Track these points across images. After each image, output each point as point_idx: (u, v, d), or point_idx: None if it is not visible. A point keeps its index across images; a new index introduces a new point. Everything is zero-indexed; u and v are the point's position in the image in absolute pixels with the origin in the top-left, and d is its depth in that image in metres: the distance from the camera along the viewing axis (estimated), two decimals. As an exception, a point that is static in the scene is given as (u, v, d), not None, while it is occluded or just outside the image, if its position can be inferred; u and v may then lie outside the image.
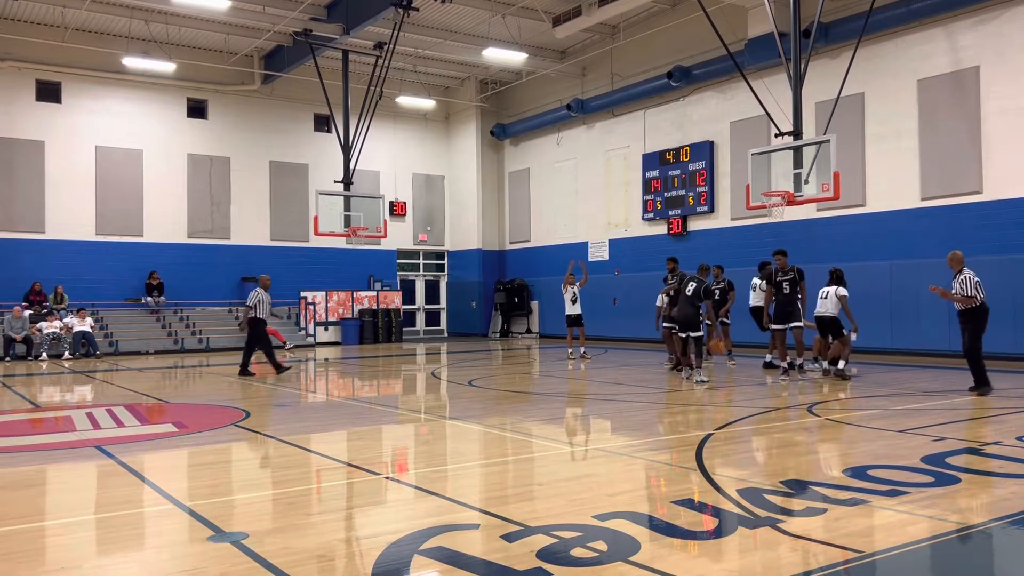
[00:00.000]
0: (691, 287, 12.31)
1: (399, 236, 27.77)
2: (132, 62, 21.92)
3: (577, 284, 16.54)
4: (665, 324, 14.09)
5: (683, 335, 12.65)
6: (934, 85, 16.32)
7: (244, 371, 14.37)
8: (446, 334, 29.34)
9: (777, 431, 7.97)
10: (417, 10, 19.22)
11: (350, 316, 25.29)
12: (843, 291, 12.44)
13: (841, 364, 12.33)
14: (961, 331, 10.08)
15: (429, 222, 29.01)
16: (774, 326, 12.42)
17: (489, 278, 28.05)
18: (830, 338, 12.69)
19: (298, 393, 12.56)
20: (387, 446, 7.93)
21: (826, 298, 12.57)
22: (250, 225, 25.24)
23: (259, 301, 14.29)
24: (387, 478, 6.16)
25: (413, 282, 29.07)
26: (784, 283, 12.24)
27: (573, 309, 16.53)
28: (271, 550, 4.20)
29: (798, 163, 13.98)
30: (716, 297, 14.82)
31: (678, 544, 4.27)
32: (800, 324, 12.27)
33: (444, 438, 8.18)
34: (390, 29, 19.73)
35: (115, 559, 4.27)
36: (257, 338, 14.37)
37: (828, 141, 13.59)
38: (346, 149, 21.45)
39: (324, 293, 24.99)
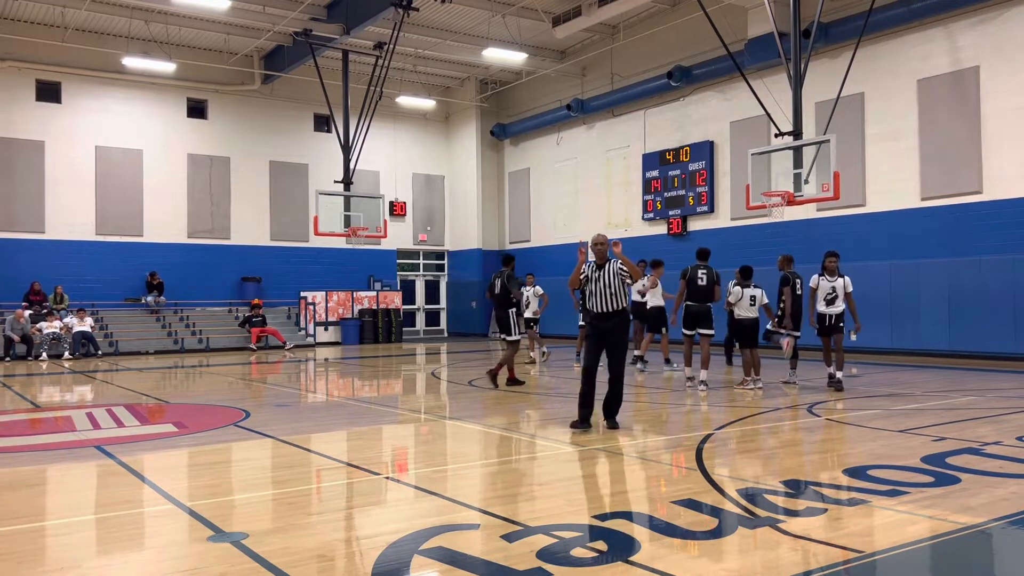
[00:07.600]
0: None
1: (399, 236, 27.76)
2: (132, 62, 21.92)
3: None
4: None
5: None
6: (934, 85, 16.32)
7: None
8: (446, 334, 29.32)
9: (777, 431, 7.97)
10: (417, 10, 19.22)
11: (350, 316, 25.27)
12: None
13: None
14: None
15: (429, 222, 28.99)
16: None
17: (489, 278, 27.94)
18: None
19: (298, 393, 12.56)
20: (387, 446, 7.93)
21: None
22: (250, 225, 25.23)
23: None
24: (387, 478, 6.16)
25: (413, 282, 29.06)
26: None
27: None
28: (271, 550, 4.20)
29: (798, 163, 13.99)
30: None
31: (678, 544, 4.27)
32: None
33: (444, 438, 8.18)
34: (390, 29, 19.73)
35: (115, 559, 4.27)
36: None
37: (828, 141, 13.59)
38: (346, 149, 21.44)
39: (324, 293, 24.97)
